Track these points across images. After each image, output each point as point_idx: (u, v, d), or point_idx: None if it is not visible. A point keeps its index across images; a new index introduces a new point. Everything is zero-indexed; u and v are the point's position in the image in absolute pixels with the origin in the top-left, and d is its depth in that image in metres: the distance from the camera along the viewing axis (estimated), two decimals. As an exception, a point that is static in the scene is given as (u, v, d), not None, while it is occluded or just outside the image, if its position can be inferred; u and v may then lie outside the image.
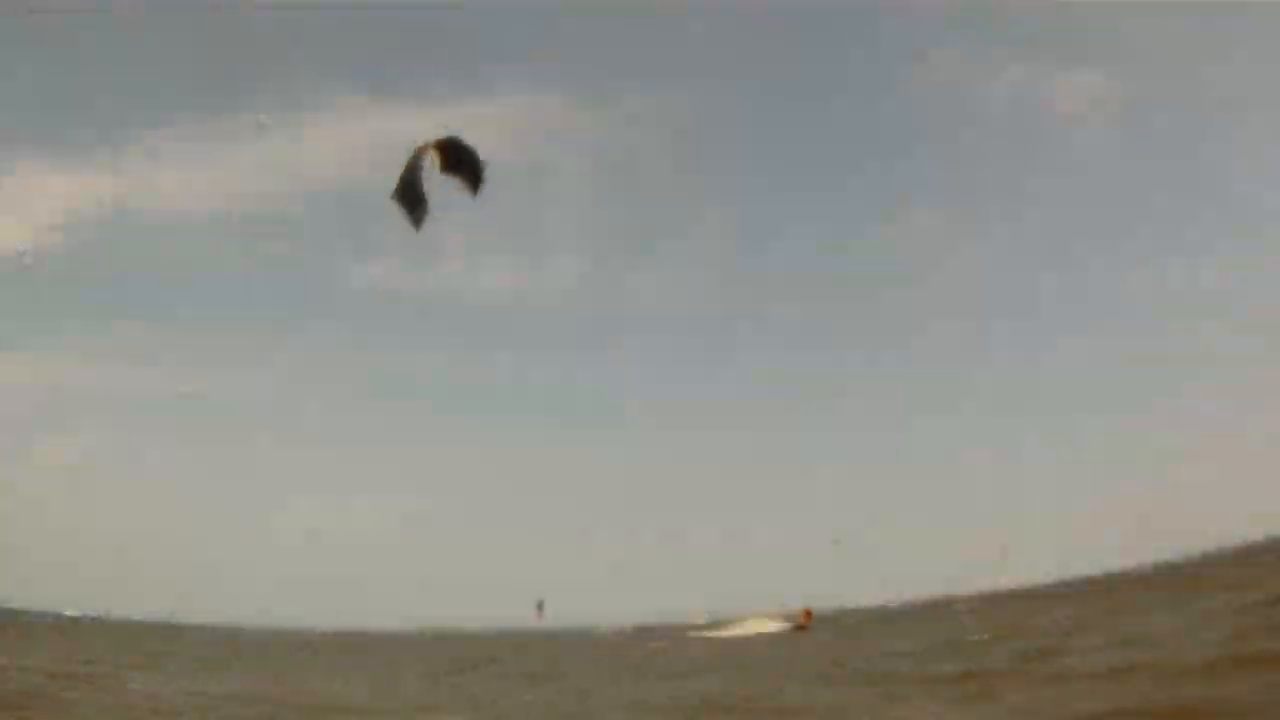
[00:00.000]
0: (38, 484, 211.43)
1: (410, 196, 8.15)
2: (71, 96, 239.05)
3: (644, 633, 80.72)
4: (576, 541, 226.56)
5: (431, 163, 8.38)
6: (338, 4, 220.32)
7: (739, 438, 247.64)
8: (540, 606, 39.32)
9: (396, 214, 8.11)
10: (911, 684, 13.86)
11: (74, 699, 13.53)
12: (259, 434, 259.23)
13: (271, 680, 21.22)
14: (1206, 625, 14.96)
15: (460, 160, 8.72)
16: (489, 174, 8.88)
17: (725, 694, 15.50)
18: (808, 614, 48.86)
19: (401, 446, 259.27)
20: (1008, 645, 17.64)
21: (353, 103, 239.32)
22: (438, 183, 8.46)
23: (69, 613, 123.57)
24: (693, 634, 53.97)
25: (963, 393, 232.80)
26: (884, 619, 61.76)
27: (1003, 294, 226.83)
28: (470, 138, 9.32)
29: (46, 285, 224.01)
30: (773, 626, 48.66)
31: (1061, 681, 11.79)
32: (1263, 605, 16.17)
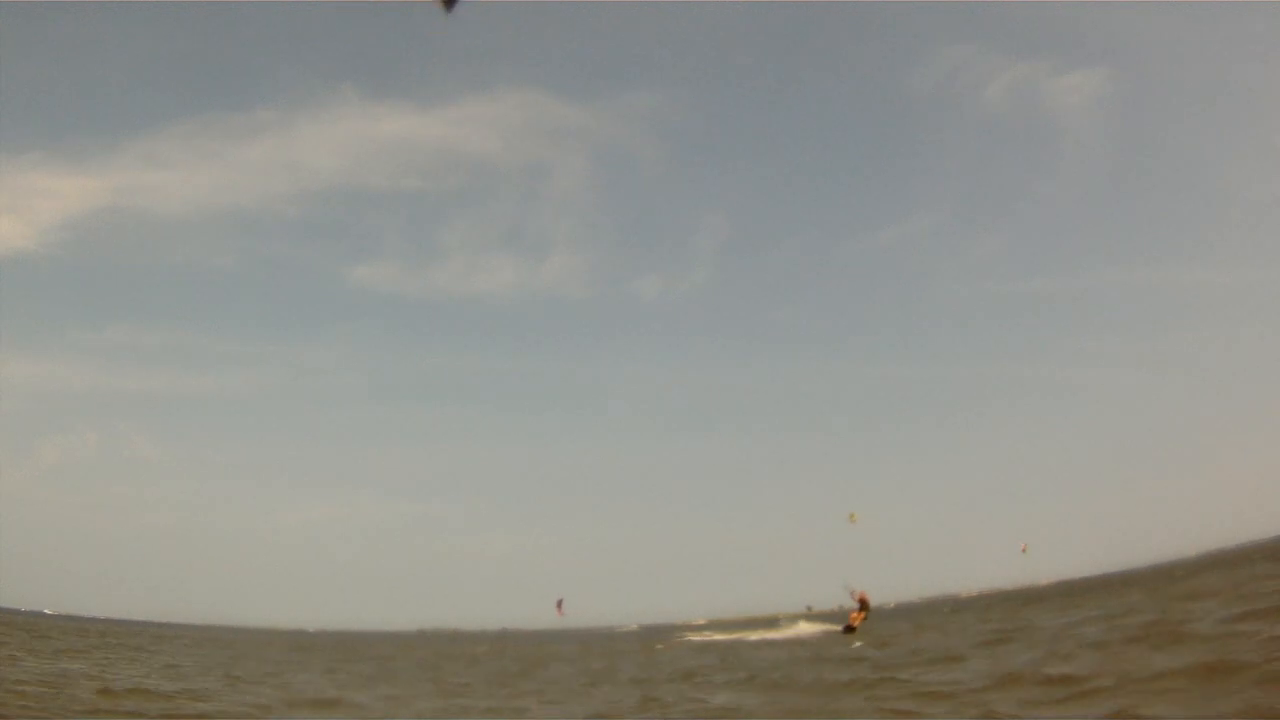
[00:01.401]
0: (35, 484, 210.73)
1: None
2: (72, 97, 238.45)
3: (653, 633, 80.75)
4: (577, 541, 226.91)
5: None
6: (338, 4, 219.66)
7: (739, 438, 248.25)
8: (560, 604, 39.01)
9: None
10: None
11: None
12: (257, 434, 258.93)
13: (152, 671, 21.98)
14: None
15: None
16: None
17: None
18: (862, 610, 36.23)
19: (401, 447, 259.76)
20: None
21: (352, 103, 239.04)
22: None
23: (49, 611, 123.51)
24: (695, 635, 53.17)
25: (965, 392, 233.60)
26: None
27: (1003, 293, 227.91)
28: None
29: (46, 285, 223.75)
30: (810, 627, 41.09)
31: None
32: None
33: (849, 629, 35.39)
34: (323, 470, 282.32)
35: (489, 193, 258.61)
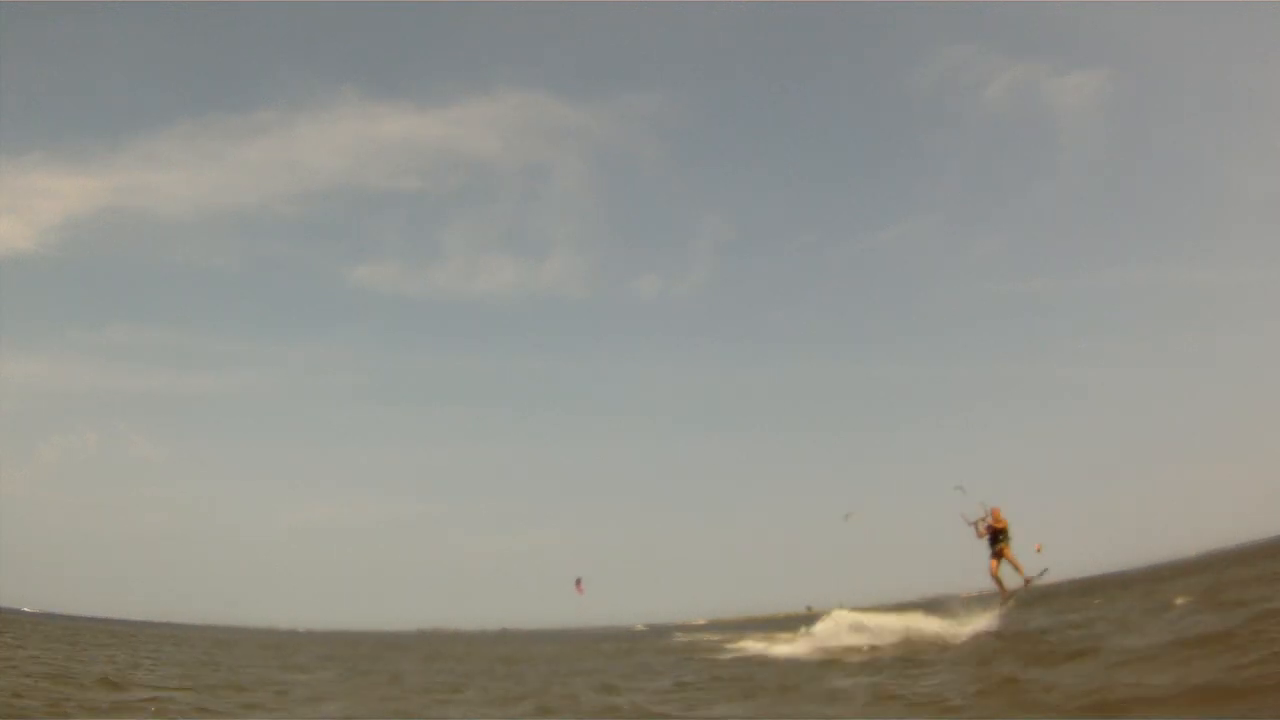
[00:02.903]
0: (34, 483, 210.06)
1: None
2: (72, 97, 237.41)
3: (657, 633, 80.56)
4: (578, 540, 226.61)
5: None
6: (338, 4, 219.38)
7: (739, 438, 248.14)
8: (580, 582, 38.38)
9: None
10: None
11: None
12: (257, 434, 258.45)
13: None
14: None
15: None
16: None
17: None
18: (998, 538, 23.22)
19: (401, 447, 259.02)
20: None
21: (352, 103, 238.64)
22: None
23: (28, 609, 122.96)
24: (704, 639, 51.72)
25: (964, 392, 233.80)
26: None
27: (1002, 293, 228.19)
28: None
29: (46, 285, 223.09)
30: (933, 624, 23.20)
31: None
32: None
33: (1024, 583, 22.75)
34: (323, 470, 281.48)
35: (489, 193, 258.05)
